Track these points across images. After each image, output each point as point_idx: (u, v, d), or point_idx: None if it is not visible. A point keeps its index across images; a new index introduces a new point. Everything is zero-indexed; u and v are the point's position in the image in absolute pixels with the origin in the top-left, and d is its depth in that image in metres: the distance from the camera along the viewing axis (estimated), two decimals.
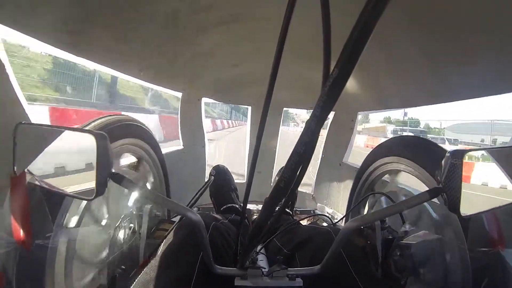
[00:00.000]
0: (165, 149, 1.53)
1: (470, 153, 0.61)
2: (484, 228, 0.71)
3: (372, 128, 22.19)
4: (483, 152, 0.82)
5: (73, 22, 0.74)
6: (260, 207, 1.71)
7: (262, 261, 0.84)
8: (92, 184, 0.54)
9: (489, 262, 0.69)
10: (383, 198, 1.04)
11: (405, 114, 26.09)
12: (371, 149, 1.20)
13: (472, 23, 0.73)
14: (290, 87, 1.62)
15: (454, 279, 0.74)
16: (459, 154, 0.55)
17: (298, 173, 0.43)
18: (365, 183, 1.20)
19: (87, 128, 0.78)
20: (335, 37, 0.38)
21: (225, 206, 1.25)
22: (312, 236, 0.79)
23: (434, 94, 1.09)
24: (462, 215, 0.57)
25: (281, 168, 1.62)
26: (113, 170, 0.57)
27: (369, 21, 0.29)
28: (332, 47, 0.39)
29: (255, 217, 1.53)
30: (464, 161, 0.54)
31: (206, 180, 1.39)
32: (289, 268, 0.62)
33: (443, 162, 0.56)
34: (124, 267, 0.86)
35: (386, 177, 1.13)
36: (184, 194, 1.49)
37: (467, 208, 0.57)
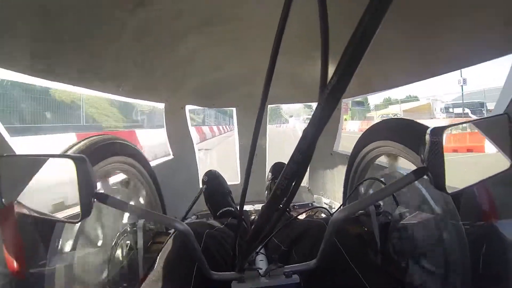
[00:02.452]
0: (155, 161, 1.53)
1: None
2: (476, 201, 0.71)
3: (413, 109, 18.70)
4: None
5: (42, 48, 0.73)
6: (256, 207, 1.71)
7: (262, 261, 0.84)
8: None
9: (484, 234, 0.70)
10: (378, 183, 1.05)
11: (464, 81, 16.68)
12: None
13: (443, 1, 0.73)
14: (276, 83, 1.60)
15: (452, 254, 0.74)
16: (439, 131, 0.55)
17: (294, 183, 0.43)
18: (357, 170, 1.21)
19: (69, 151, 0.77)
20: (334, 39, 0.38)
21: (221, 211, 1.24)
22: (306, 230, 0.79)
23: (413, 73, 1.10)
24: (448, 192, 0.57)
25: (274, 164, 1.62)
26: (98, 190, 0.56)
27: (368, 27, 0.29)
28: (331, 49, 0.39)
29: (253, 217, 1.53)
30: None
31: (200, 187, 1.38)
32: (285, 266, 0.62)
33: (425, 140, 0.56)
34: (125, 284, 0.85)
35: (377, 161, 1.13)
36: (179, 204, 1.48)
37: (453, 184, 0.57)
